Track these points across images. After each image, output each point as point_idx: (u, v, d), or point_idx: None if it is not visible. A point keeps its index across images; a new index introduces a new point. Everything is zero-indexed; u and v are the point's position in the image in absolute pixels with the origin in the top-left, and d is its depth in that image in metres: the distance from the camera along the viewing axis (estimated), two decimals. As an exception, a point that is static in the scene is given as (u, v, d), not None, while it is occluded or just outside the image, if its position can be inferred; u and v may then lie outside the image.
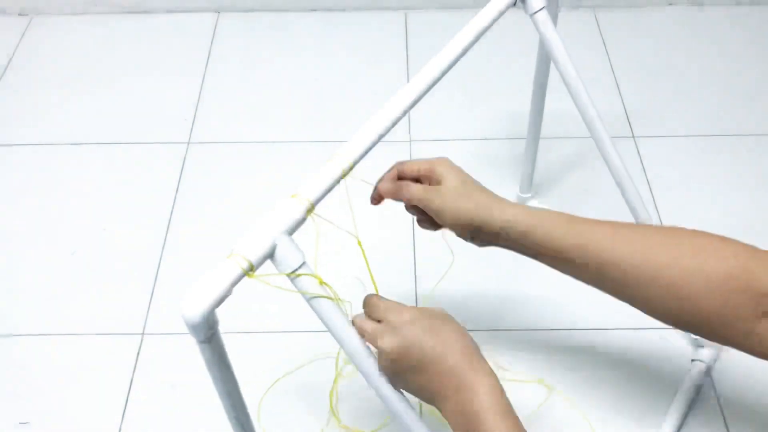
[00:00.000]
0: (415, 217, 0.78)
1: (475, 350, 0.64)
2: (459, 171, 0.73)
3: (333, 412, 0.96)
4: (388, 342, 0.63)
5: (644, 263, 0.64)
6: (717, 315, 0.61)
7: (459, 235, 0.74)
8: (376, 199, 0.76)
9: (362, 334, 0.65)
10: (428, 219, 0.76)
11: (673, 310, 0.64)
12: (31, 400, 1.00)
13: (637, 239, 0.65)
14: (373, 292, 0.71)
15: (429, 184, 0.74)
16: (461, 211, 0.71)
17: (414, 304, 1.06)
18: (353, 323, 0.66)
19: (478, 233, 0.72)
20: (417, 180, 0.75)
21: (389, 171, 0.76)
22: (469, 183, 0.73)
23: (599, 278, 0.67)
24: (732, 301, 0.60)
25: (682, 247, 0.63)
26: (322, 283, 0.62)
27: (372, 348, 0.66)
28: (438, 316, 0.66)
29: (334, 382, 0.98)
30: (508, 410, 0.61)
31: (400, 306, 0.66)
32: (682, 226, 0.67)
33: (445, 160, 0.74)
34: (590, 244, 0.66)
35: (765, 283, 0.59)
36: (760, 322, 0.60)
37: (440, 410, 0.64)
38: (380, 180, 0.76)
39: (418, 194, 0.73)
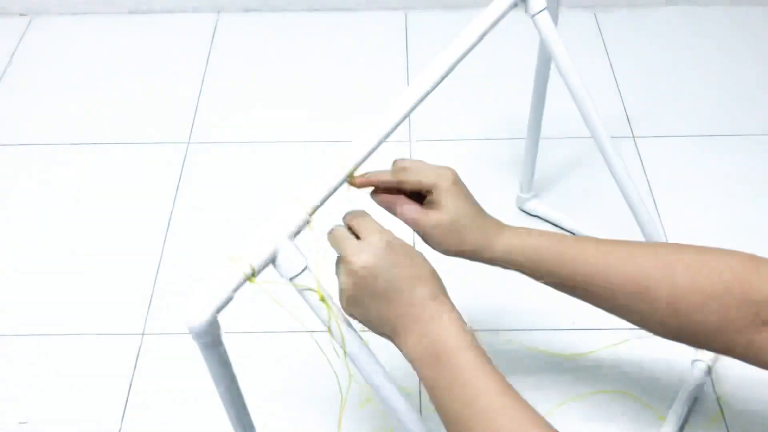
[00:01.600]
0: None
1: (441, 286, 0.64)
2: (458, 200, 0.70)
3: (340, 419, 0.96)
4: (362, 260, 0.61)
5: (641, 284, 0.64)
6: (715, 328, 0.61)
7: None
8: (358, 184, 0.70)
9: (337, 244, 0.64)
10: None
11: (673, 327, 0.64)
12: (31, 400, 1.00)
13: (630, 260, 0.66)
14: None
15: (426, 200, 0.71)
16: (449, 245, 0.70)
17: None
18: (331, 232, 0.65)
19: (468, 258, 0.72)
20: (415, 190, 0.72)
21: (390, 170, 0.72)
22: (465, 217, 0.70)
23: (597, 300, 0.69)
24: (729, 314, 0.60)
25: (676, 265, 0.63)
26: (321, 298, 0.62)
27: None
28: (411, 247, 0.65)
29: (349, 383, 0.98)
30: (473, 344, 0.61)
31: (381, 228, 0.64)
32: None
33: (448, 181, 0.70)
34: (584, 269, 0.67)
35: (761, 292, 0.59)
36: (759, 332, 0.60)
37: (396, 343, 0.63)
38: (377, 173, 0.71)
39: (411, 216, 0.70)
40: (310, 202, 0.63)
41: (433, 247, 0.72)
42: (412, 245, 0.65)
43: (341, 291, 0.63)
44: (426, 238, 0.71)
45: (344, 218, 0.67)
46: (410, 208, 0.71)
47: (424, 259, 0.65)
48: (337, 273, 0.64)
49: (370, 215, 0.66)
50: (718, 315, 0.61)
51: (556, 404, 0.97)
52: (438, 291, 0.63)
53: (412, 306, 0.61)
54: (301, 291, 0.61)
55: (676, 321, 0.63)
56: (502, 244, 0.71)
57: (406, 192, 0.72)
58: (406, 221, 0.71)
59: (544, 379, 0.99)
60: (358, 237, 0.64)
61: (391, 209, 0.72)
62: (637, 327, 0.68)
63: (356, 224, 0.65)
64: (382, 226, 0.65)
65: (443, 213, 0.69)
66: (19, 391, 1.01)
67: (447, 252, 0.71)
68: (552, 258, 0.69)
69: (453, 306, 0.63)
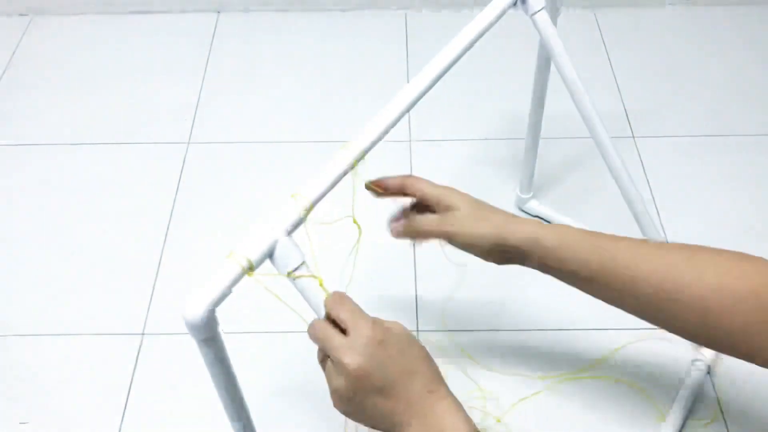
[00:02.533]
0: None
1: (437, 373, 0.62)
2: (469, 196, 0.73)
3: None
4: (355, 359, 0.58)
5: (668, 280, 0.63)
6: (740, 331, 0.60)
7: (476, 255, 0.74)
8: (376, 190, 0.74)
9: (323, 341, 0.61)
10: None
11: (696, 328, 0.63)
12: (31, 400, 1.00)
13: (660, 256, 0.65)
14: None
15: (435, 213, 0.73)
16: (480, 234, 0.71)
17: (413, 306, 1.06)
18: (312, 326, 0.62)
19: (498, 253, 0.72)
20: (419, 205, 0.74)
21: (395, 179, 0.75)
22: (483, 206, 0.73)
23: (622, 295, 0.67)
24: (755, 317, 0.59)
25: (705, 265, 0.63)
26: (320, 284, 0.62)
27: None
28: (404, 336, 0.62)
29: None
30: None
31: (367, 317, 0.61)
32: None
33: (452, 189, 0.74)
34: (614, 260, 0.66)
35: None
36: None
37: None
38: (387, 179, 0.75)
39: (433, 222, 0.72)
40: (307, 198, 0.63)
41: (465, 247, 0.72)
42: (403, 327, 0.63)
43: (333, 391, 0.61)
44: (456, 238, 0.72)
45: (325, 305, 0.62)
46: (428, 217, 0.73)
47: (419, 346, 0.63)
48: (326, 372, 0.62)
49: (351, 300, 0.63)
50: (743, 318, 0.60)
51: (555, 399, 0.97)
52: (434, 381, 0.61)
53: (409, 400, 0.59)
54: (297, 281, 0.61)
55: (702, 321, 0.62)
56: (531, 226, 0.70)
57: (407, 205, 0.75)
58: (431, 230, 0.72)
59: (543, 379, 0.99)
60: (342, 330, 0.61)
61: (411, 231, 0.73)
62: (656, 327, 0.67)
63: (341, 316, 0.61)
64: (367, 315, 0.62)
65: (462, 208, 0.72)
66: (19, 391, 1.01)
67: (480, 247, 0.71)
68: (584, 251, 0.67)
69: (450, 395, 0.61)
